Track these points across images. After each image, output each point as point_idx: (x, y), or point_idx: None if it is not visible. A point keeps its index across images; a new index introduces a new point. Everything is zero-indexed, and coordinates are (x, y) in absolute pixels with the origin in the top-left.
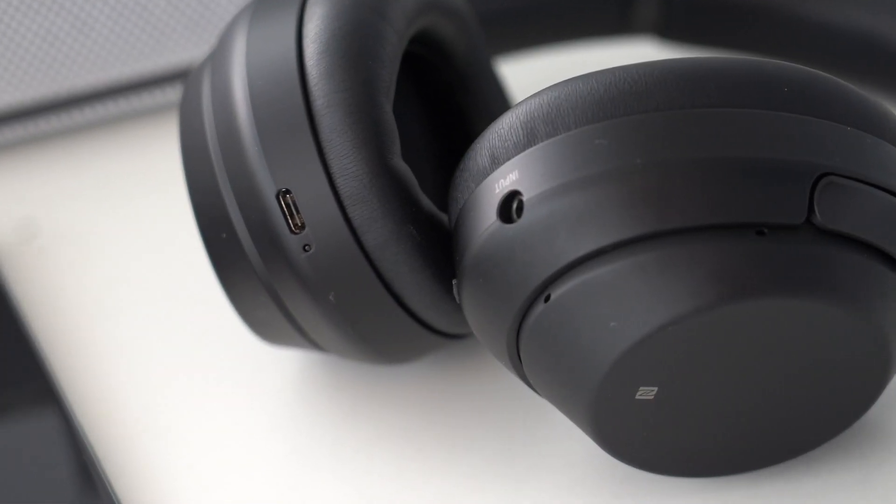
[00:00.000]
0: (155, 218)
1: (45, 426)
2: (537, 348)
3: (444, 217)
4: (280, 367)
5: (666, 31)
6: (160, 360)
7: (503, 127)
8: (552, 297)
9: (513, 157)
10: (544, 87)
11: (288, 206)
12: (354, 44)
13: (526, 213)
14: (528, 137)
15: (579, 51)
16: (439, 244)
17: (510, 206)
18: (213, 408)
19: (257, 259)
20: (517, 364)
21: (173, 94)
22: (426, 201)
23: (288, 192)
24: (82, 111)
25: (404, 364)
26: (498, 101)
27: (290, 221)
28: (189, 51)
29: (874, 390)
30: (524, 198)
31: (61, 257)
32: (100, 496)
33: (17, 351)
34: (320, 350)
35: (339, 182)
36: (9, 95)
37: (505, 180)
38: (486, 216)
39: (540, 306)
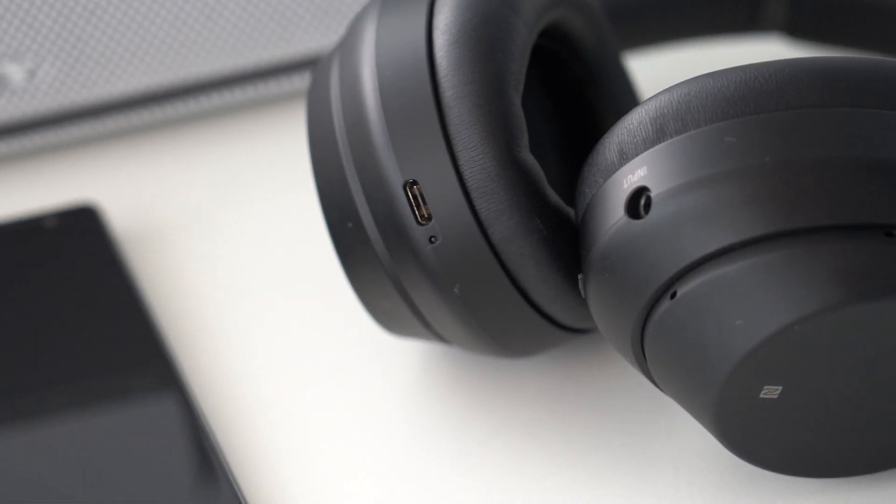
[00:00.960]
0: (280, 206)
1: (167, 412)
2: (662, 345)
3: (570, 211)
4: (403, 358)
5: (794, 29)
6: (282, 348)
7: (632, 122)
8: (678, 294)
9: (641, 152)
10: (670, 83)
11: (415, 197)
12: (485, 36)
13: (654, 209)
14: (658, 133)
15: (705, 47)
16: (565, 238)
17: (638, 202)
18: (335, 397)
19: (383, 250)
20: (641, 360)
21: (300, 82)
22: (553, 195)
23: (415, 183)
24: (209, 97)
25: (527, 358)
26: (626, 97)
27: (416, 213)
28: (317, 40)
29: None
30: (652, 194)
31: (185, 243)
32: (220, 482)
33: (141, 337)
34: (443, 342)
35: (467, 174)
36: (137, 80)
37: (633, 176)
38: (614, 211)
39: (666, 303)
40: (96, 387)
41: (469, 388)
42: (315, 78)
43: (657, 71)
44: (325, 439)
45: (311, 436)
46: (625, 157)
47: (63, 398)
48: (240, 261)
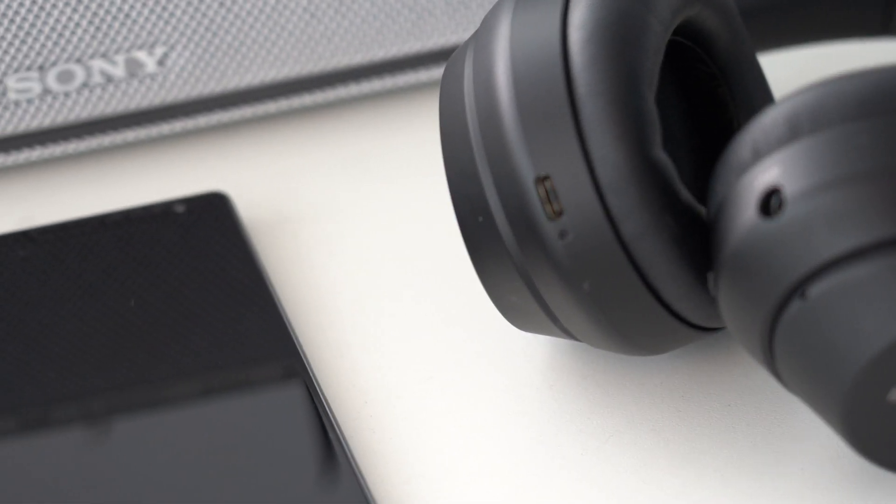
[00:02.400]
0: (410, 198)
1: (293, 401)
2: (791, 344)
3: (701, 209)
4: (529, 352)
5: None
6: (409, 341)
7: (766, 121)
8: (809, 294)
9: (775, 151)
10: (800, 82)
11: (546, 192)
12: (619, 33)
13: (786, 208)
14: (792, 133)
15: (834, 48)
16: (696, 236)
17: (770, 201)
18: (461, 391)
19: (513, 244)
20: (769, 359)
21: (430, 74)
22: (685, 193)
23: (547, 178)
24: (340, 88)
25: (655, 355)
26: (760, 95)
27: (547, 208)
28: (447, 35)
29: None
30: (785, 193)
31: (313, 234)
32: (345, 474)
33: (268, 325)
34: (571, 337)
35: (599, 170)
36: (267, 71)
37: (766, 175)
38: (746, 210)
39: (796, 303)
40: (223, 373)
41: (594, 384)
42: (448, 70)
43: (787, 70)
44: (450, 433)
45: (436, 429)
46: (758, 156)
47: (189, 384)
48: (368, 252)
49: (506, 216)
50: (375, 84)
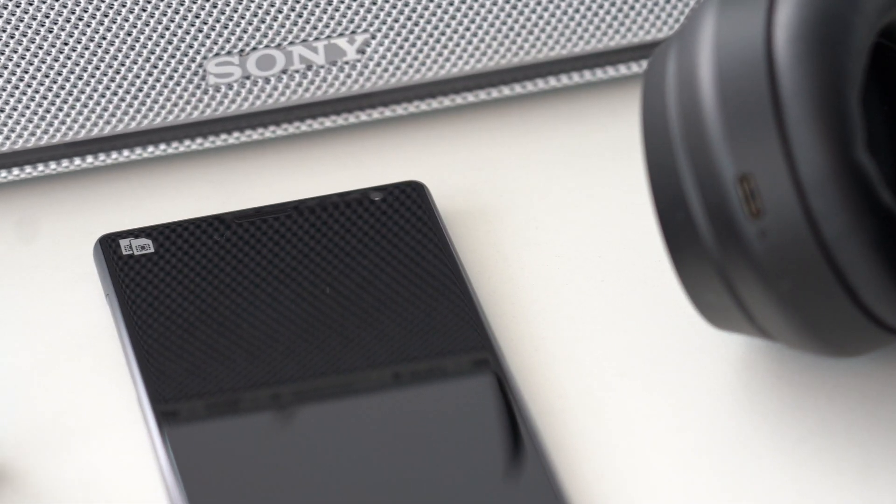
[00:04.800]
0: (608, 192)
1: (487, 394)
2: None
3: None
4: (724, 350)
5: None
6: (603, 335)
7: None
8: None
9: None
10: None
11: (747, 191)
12: (825, 33)
13: None
14: None
15: None
16: None
17: None
18: (654, 388)
19: (712, 242)
20: None
21: (626, 69)
22: (887, 196)
23: (748, 177)
24: (541, 81)
25: (850, 357)
26: None
27: (748, 207)
28: (648, 31)
29: None
30: None
31: (511, 225)
32: (537, 467)
33: (463, 315)
34: (767, 337)
35: (802, 171)
36: (470, 62)
37: None
38: None
39: None
40: (416, 363)
41: (788, 385)
42: (651, 66)
43: None
44: (642, 431)
45: (628, 426)
46: None
47: (382, 373)
48: (563, 246)
49: (705, 213)
50: (575, 77)
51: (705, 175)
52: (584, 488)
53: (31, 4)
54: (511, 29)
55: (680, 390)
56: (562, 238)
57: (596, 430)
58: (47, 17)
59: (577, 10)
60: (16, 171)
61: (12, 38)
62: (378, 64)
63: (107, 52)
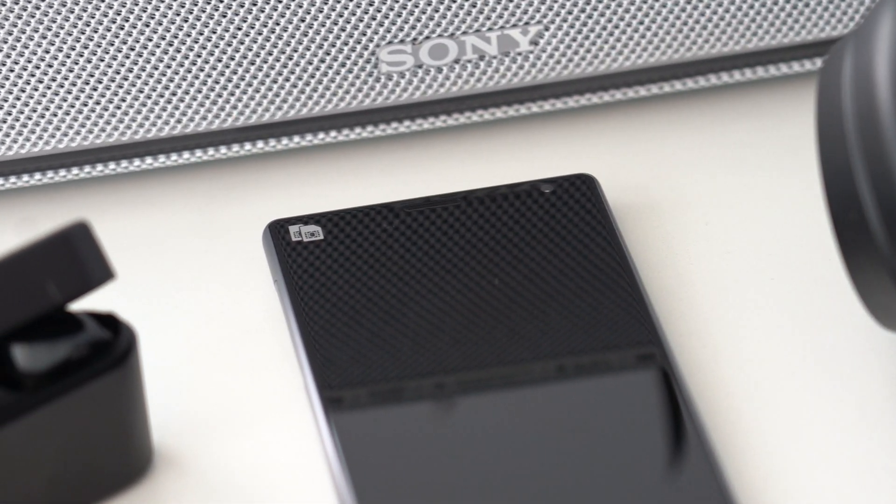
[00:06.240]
0: (781, 191)
1: (654, 389)
2: None
3: None
4: (894, 353)
5: None
6: (772, 334)
7: None
8: None
9: None
10: None
11: None
12: None
13: None
14: None
15: None
16: None
17: None
18: (824, 389)
19: (885, 243)
20: None
21: (799, 66)
22: None
23: None
24: (714, 76)
25: None
26: None
27: None
28: (823, 28)
29: None
30: None
31: (682, 221)
32: (702, 463)
33: (631, 310)
34: None
35: None
36: (643, 55)
37: None
38: None
39: None
40: (584, 356)
41: None
42: (827, 65)
43: None
44: (811, 431)
45: (797, 426)
46: None
47: (549, 365)
48: (734, 243)
49: (880, 215)
50: (749, 74)
51: (880, 176)
52: (750, 488)
53: None
54: (685, 24)
55: (849, 391)
56: (732, 235)
57: (764, 429)
58: (221, 1)
59: (752, 6)
60: (187, 154)
61: (186, 21)
62: (551, 56)
63: (279, 38)
